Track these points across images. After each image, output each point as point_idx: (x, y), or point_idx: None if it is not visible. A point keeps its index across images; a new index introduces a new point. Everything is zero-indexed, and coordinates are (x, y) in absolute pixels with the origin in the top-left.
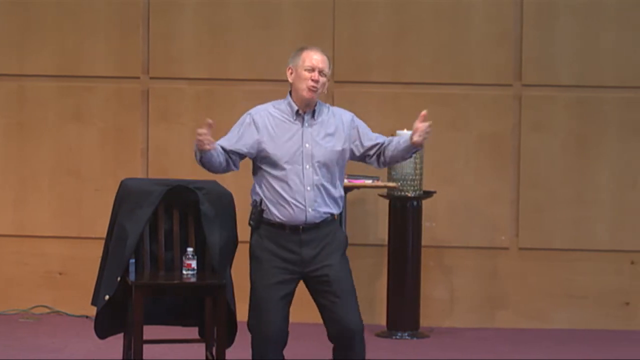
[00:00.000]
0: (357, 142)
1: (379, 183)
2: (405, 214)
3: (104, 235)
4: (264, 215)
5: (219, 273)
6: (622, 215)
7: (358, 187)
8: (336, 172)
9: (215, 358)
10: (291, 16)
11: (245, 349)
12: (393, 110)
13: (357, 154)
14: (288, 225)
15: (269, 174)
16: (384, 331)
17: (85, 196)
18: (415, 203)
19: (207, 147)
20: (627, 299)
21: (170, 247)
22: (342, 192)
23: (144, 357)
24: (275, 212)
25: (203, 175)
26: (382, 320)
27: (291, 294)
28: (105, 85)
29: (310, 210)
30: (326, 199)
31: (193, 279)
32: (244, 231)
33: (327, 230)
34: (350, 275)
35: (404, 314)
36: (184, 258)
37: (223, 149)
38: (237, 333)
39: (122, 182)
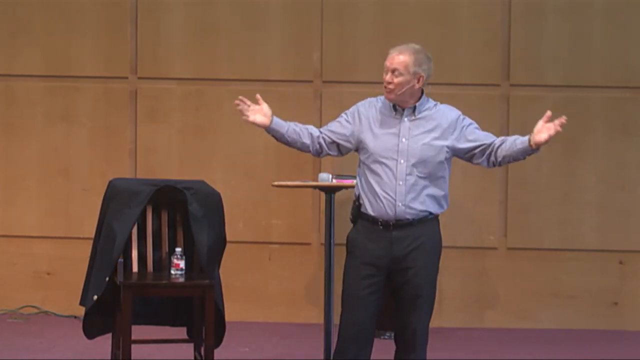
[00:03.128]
0: (462, 141)
1: None
2: None
3: (92, 235)
4: (361, 210)
5: (207, 273)
6: (610, 215)
7: (346, 187)
8: (436, 170)
9: (203, 358)
10: (279, 17)
11: (234, 348)
12: None
13: (461, 154)
14: (380, 220)
15: (367, 167)
16: None
17: (74, 196)
18: None
19: (246, 116)
20: (615, 299)
21: (159, 247)
22: (445, 192)
23: (132, 357)
24: (368, 206)
25: (191, 175)
26: None
27: (379, 292)
28: (94, 85)
29: (400, 204)
30: (421, 195)
31: (181, 279)
32: (232, 231)
33: (423, 230)
34: (433, 282)
35: (391, 313)
36: (172, 258)
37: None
38: (226, 333)
39: (110, 182)
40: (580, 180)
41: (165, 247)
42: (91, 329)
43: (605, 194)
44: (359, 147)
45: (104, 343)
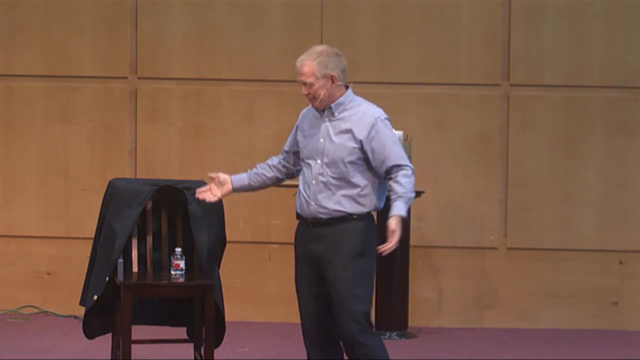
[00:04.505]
0: (368, 145)
1: None
2: None
3: (92, 235)
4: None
5: (208, 273)
6: (610, 215)
7: None
8: (350, 170)
9: (203, 358)
10: (279, 17)
11: (234, 348)
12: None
13: (372, 162)
14: (301, 217)
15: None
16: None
17: (73, 196)
18: None
19: (214, 198)
20: (615, 299)
21: (159, 247)
22: (366, 191)
23: (132, 357)
24: (297, 203)
25: (191, 175)
26: None
27: (318, 286)
28: (93, 85)
29: (313, 203)
30: (335, 195)
31: (181, 279)
32: (232, 231)
33: (340, 230)
34: (357, 280)
35: (392, 314)
36: (172, 258)
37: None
38: (226, 333)
39: (110, 182)
40: (580, 180)
41: (165, 247)
42: (91, 329)
43: (605, 193)
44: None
45: (104, 343)
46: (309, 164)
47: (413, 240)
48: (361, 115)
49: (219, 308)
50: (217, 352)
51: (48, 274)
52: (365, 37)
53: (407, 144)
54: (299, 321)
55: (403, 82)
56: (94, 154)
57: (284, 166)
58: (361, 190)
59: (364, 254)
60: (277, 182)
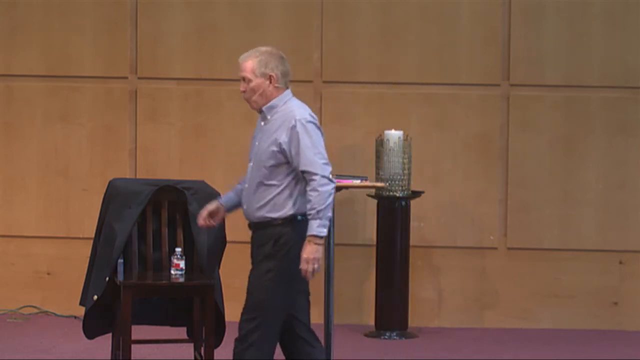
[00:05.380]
0: (293, 154)
1: (367, 183)
2: (393, 214)
3: (92, 235)
4: None
5: (208, 273)
6: (609, 215)
7: (346, 187)
8: (274, 173)
9: (203, 358)
10: (279, 17)
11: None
12: (380, 110)
13: (293, 165)
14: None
15: None
16: (372, 331)
17: (73, 196)
18: (403, 203)
19: (214, 223)
20: (615, 299)
21: (159, 247)
22: (288, 195)
23: (132, 357)
24: None
25: (191, 175)
26: (370, 321)
27: None
28: (93, 85)
29: (245, 207)
30: (262, 200)
31: (181, 279)
32: (232, 231)
33: (264, 234)
34: (261, 287)
35: (392, 314)
36: (172, 258)
37: None
38: (226, 333)
39: (110, 182)
40: (580, 180)
41: (165, 247)
42: (91, 329)
43: (605, 193)
44: None
45: (104, 343)
46: (250, 167)
47: (413, 240)
48: (285, 117)
49: (219, 308)
50: (217, 352)
51: (48, 274)
52: (365, 37)
53: (407, 144)
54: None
55: (403, 82)
56: (94, 154)
57: None
58: (280, 194)
59: (276, 258)
60: None
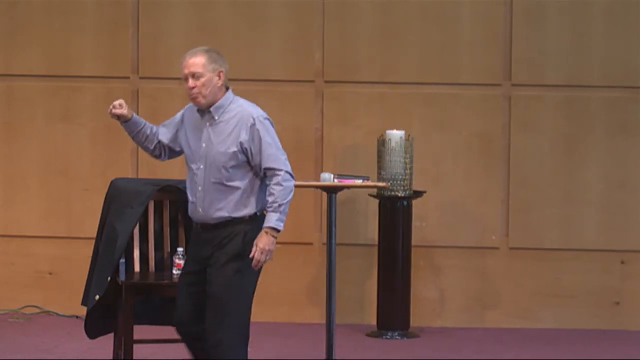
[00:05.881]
0: (250, 146)
1: (369, 183)
2: (395, 214)
3: (94, 235)
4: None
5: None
6: (611, 215)
7: (348, 187)
8: (235, 174)
9: None
10: (281, 17)
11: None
12: (382, 110)
13: (252, 163)
14: (194, 220)
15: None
16: (374, 331)
17: (75, 196)
18: (405, 203)
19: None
20: (617, 299)
21: (161, 247)
22: (250, 194)
23: (134, 357)
24: (189, 207)
25: None
26: (372, 321)
27: (198, 285)
28: (95, 85)
29: (201, 210)
30: (222, 201)
31: None
32: None
33: (226, 233)
34: (231, 288)
35: (394, 314)
36: (174, 258)
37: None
38: None
39: (112, 182)
40: (582, 180)
41: (167, 247)
42: (93, 329)
43: (606, 193)
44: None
45: (106, 343)
46: (192, 169)
47: (415, 241)
48: (241, 116)
49: None
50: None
51: (50, 274)
52: (367, 37)
53: (409, 144)
54: (302, 321)
55: (404, 83)
56: (96, 154)
57: (158, 149)
58: (244, 193)
59: (245, 257)
60: (146, 151)
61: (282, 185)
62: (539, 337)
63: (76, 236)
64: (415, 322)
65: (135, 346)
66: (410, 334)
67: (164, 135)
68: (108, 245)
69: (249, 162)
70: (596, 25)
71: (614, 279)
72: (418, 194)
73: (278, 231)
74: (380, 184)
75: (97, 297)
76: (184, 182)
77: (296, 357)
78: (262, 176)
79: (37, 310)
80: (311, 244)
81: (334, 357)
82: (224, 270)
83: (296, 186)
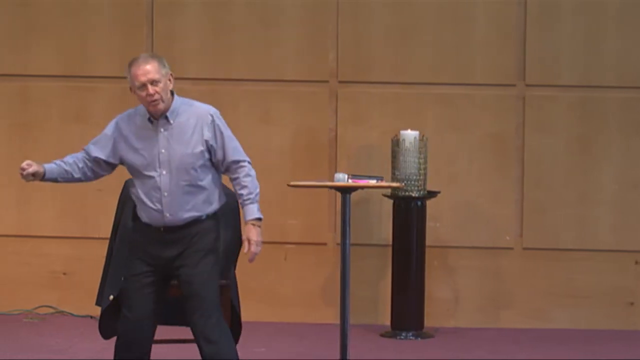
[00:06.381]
0: (216, 148)
1: (383, 183)
2: (409, 214)
3: (108, 235)
4: (137, 211)
5: (223, 273)
6: (625, 215)
7: (362, 188)
8: (201, 173)
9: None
10: (295, 16)
11: (250, 348)
12: (396, 110)
13: (214, 159)
14: (153, 226)
15: (135, 179)
16: (388, 331)
17: (89, 196)
18: (419, 203)
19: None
20: (631, 299)
21: None
22: (214, 188)
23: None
24: (142, 213)
25: None
26: (386, 321)
27: (152, 285)
28: (109, 85)
29: (168, 215)
30: (190, 203)
31: None
32: None
33: (195, 231)
34: (210, 284)
35: (408, 314)
36: None
37: (89, 155)
38: (242, 333)
39: (126, 182)
40: (596, 180)
41: None
42: (107, 329)
43: (620, 193)
44: (122, 161)
45: None
46: (149, 176)
47: (429, 241)
48: (197, 116)
49: (235, 308)
50: None
51: (64, 274)
52: (381, 37)
53: (423, 144)
54: (315, 321)
55: (418, 82)
56: None
57: (90, 170)
58: (210, 190)
59: (216, 251)
60: (79, 182)
61: (250, 175)
62: (553, 337)
63: (90, 236)
64: (429, 322)
65: (162, 346)
66: (424, 334)
67: (98, 152)
68: (122, 245)
69: (210, 159)
70: (610, 25)
71: (627, 279)
72: (432, 194)
73: (261, 220)
74: (394, 184)
75: (111, 297)
76: None
77: (310, 357)
78: (223, 170)
79: (51, 310)
80: (325, 244)
81: (347, 357)
82: (201, 268)
83: (310, 186)
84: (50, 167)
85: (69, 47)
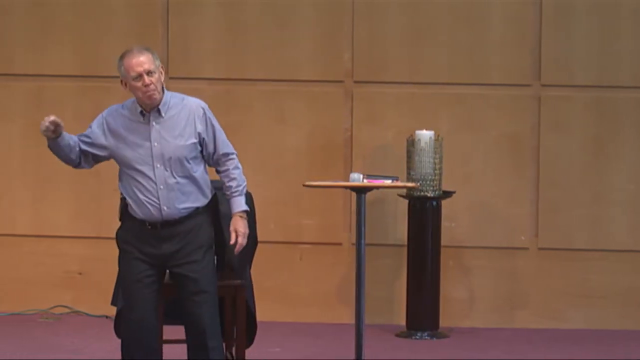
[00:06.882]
0: (208, 140)
1: (399, 183)
2: (424, 214)
3: None
4: (128, 210)
5: (239, 273)
6: None
7: (377, 188)
8: (194, 165)
9: (235, 358)
10: (310, 16)
11: (265, 348)
12: (411, 110)
13: (204, 152)
14: (148, 222)
15: (126, 174)
16: (403, 331)
17: (105, 196)
18: (434, 203)
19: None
20: None
21: None
22: (205, 179)
23: (163, 357)
24: (136, 210)
25: None
26: (401, 321)
27: (156, 284)
28: None
29: (165, 208)
30: (185, 194)
31: None
32: (263, 231)
33: (191, 225)
34: (214, 276)
35: (423, 314)
36: None
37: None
38: (257, 333)
39: None
40: (611, 180)
41: None
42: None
43: (635, 194)
44: (112, 156)
45: None
46: (141, 171)
47: (444, 241)
48: (189, 109)
49: (250, 308)
50: (249, 352)
51: (79, 273)
52: (396, 37)
53: (438, 144)
54: (331, 321)
55: (433, 82)
56: None
57: (82, 157)
58: (202, 182)
59: (212, 245)
60: (67, 163)
61: (239, 168)
62: (568, 338)
63: (106, 236)
64: (444, 322)
65: (164, 346)
66: (439, 334)
67: (88, 145)
68: None
69: (201, 152)
70: (625, 26)
71: None
72: (447, 194)
73: (248, 212)
74: (410, 184)
75: None
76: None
77: (325, 357)
78: (212, 163)
79: (67, 310)
80: (340, 244)
81: (363, 357)
82: (205, 265)
83: (325, 186)
84: (66, 134)
85: (85, 47)
